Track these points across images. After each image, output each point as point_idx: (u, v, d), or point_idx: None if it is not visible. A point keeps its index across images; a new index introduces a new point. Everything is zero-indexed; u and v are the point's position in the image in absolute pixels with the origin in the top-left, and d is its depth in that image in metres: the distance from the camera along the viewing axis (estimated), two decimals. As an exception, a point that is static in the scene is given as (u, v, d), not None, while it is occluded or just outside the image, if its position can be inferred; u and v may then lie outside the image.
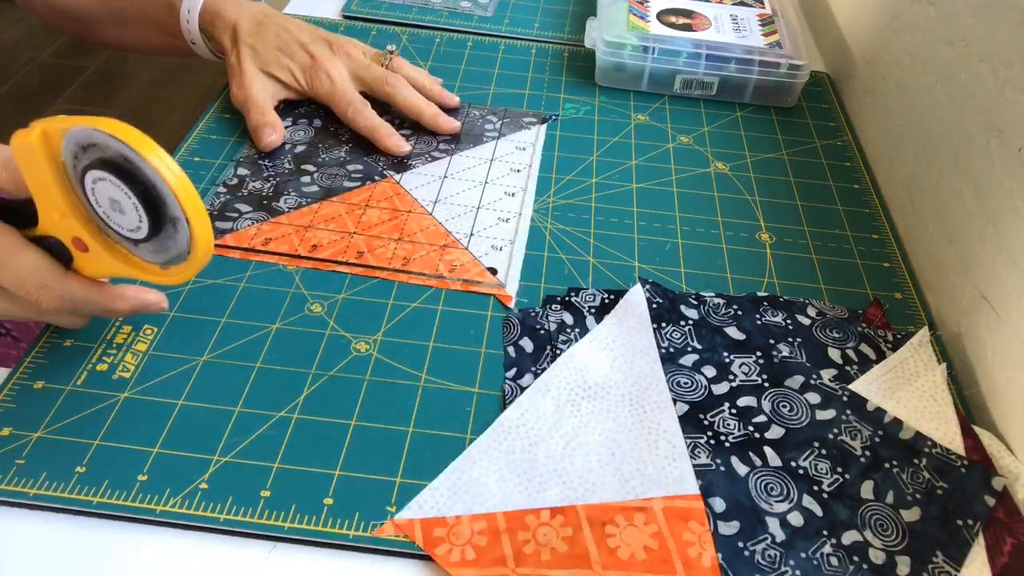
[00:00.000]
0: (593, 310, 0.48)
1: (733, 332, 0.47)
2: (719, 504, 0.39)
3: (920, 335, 0.47)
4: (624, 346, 0.46)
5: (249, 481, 0.38)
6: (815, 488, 0.40)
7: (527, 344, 0.46)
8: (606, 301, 0.48)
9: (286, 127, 0.61)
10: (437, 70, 0.69)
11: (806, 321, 0.48)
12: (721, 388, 0.44)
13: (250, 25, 0.60)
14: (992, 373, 0.44)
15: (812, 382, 0.44)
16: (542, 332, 0.47)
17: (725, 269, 0.52)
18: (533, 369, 0.44)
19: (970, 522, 0.38)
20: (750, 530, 0.38)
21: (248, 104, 0.59)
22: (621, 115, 0.66)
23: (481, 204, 0.56)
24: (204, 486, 0.38)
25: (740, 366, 0.45)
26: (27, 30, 2.24)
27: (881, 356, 0.46)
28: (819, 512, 0.39)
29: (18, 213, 0.38)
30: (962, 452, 0.41)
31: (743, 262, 0.53)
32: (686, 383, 0.44)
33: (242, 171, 0.56)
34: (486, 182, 0.58)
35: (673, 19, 0.71)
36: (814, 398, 0.44)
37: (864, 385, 0.44)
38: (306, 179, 0.56)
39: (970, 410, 0.45)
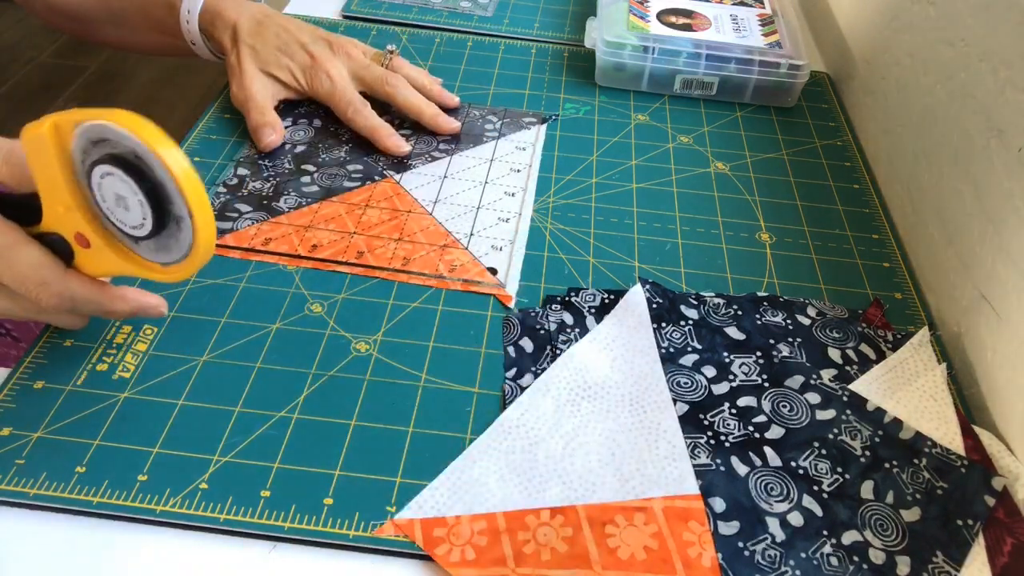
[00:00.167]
0: (593, 310, 0.48)
1: (733, 332, 0.47)
2: (719, 504, 0.39)
3: (920, 335, 0.47)
4: (624, 346, 0.46)
5: (249, 481, 0.38)
6: (815, 488, 0.40)
7: (527, 344, 0.46)
8: (606, 301, 0.48)
9: (286, 127, 0.61)
10: (437, 70, 0.69)
11: (806, 321, 0.48)
12: (721, 388, 0.44)
13: (250, 25, 0.60)
14: (992, 373, 0.44)
15: (812, 382, 0.44)
16: (542, 332, 0.47)
17: (725, 269, 0.52)
18: (533, 369, 0.44)
19: (970, 522, 0.38)
20: (750, 530, 0.38)
21: (248, 104, 0.59)
22: (621, 115, 0.66)
23: (481, 204, 0.56)
24: (204, 486, 0.38)
25: (740, 366, 0.45)
26: (27, 30, 2.24)
27: (881, 356, 0.46)
28: (819, 512, 0.39)
29: (19, 207, 0.38)
30: (962, 452, 0.41)
31: (743, 262, 0.53)
32: (686, 383, 0.44)
33: (242, 171, 0.56)
34: (486, 182, 0.58)
35: (673, 19, 0.71)
36: (814, 398, 0.44)
37: (864, 385, 0.44)
38: (306, 179, 0.56)
39: (970, 410, 0.45)
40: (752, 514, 0.38)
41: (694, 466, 0.40)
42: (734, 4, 0.74)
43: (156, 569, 0.35)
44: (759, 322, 0.48)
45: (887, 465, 0.41)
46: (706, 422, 0.42)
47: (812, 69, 0.69)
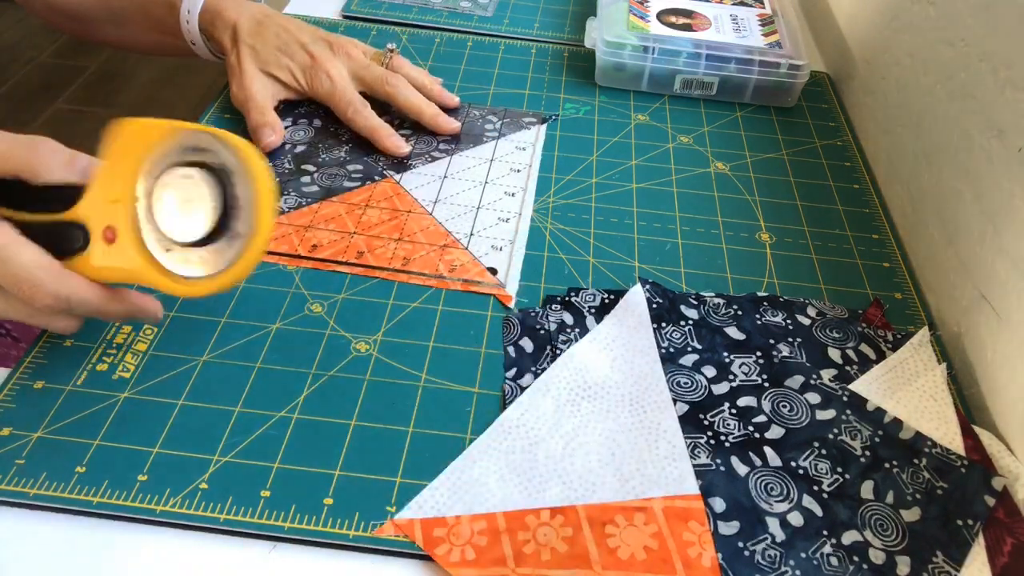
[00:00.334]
0: (593, 310, 0.48)
1: (733, 332, 0.47)
2: (719, 504, 0.39)
3: (920, 335, 0.47)
4: (624, 346, 0.46)
5: (249, 481, 0.38)
6: (815, 488, 0.40)
7: (527, 344, 0.46)
8: (606, 301, 0.48)
9: (286, 127, 0.61)
10: (437, 70, 0.69)
11: (806, 321, 0.48)
12: (721, 388, 0.44)
13: (250, 25, 0.60)
14: (992, 373, 0.44)
15: (812, 382, 0.44)
16: (542, 332, 0.47)
17: (725, 269, 0.52)
18: (533, 369, 0.44)
19: (970, 522, 0.38)
20: (750, 530, 0.38)
21: (248, 104, 0.59)
22: (621, 115, 0.66)
23: (481, 204, 0.56)
24: (204, 486, 0.38)
25: (740, 366, 0.45)
26: (27, 30, 2.24)
27: (881, 356, 0.46)
28: (819, 512, 0.39)
29: (5, 188, 0.38)
30: (962, 452, 0.41)
31: (743, 262, 0.53)
32: (686, 383, 0.44)
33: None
34: (486, 182, 0.58)
35: (673, 19, 0.71)
36: (814, 398, 0.44)
37: (864, 385, 0.44)
38: (306, 179, 0.56)
39: (970, 410, 0.45)
40: (752, 514, 0.38)
41: (694, 466, 0.40)
42: (734, 4, 0.74)
43: (156, 569, 0.35)
44: (759, 322, 0.48)
45: (887, 465, 0.41)
46: (706, 422, 0.42)
47: (812, 69, 0.69)
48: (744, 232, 0.55)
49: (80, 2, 0.67)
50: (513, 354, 0.45)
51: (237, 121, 0.60)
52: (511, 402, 0.42)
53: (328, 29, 0.65)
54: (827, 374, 0.45)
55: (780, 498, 0.39)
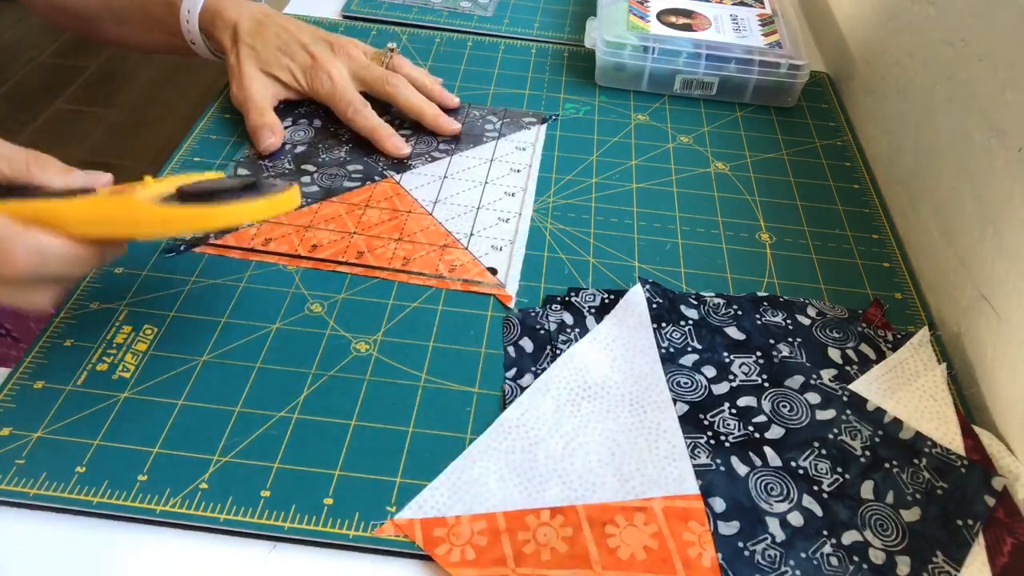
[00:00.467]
0: (593, 310, 0.48)
1: (733, 332, 0.47)
2: (719, 504, 0.39)
3: (920, 335, 0.47)
4: (624, 346, 0.46)
5: (249, 481, 0.38)
6: (815, 488, 0.40)
7: (527, 344, 0.46)
8: (606, 301, 0.48)
9: (286, 127, 0.61)
10: (437, 70, 0.69)
11: (806, 321, 0.48)
12: (721, 388, 0.44)
13: (250, 25, 0.60)
14: (992, 373, 0.44)
15: (812, 382, 0.44)
16: (542, 332, 0.47)
17: (725, 269, 0.52)
18: (533, 369, 0.44)
19: (970, 522, 0.38)
20: (750, 530, 0.38)
21: (247, 105, 0.59)
22: (621, 115, 0.66)
23: (481, 204, 0.56)
24: (204, 486, 0.38)
25: (740, 366, 0.45)
26: (27, 30, 2.24)
27: (881, 356, 0.46)
28: (819, 512, 0.39)
29: None
30: (962, 452, 0.41)
31: (743, 262, 0.53)
32: (686, 383, 0.44)
33: (242, 171, 0.56)
34: (486, 182, 0.58)
35: (673, 19, 0.71)
36: (814, 398, 0.44)
37: (864, 385, 0.44)
38: (306, 179, 0.56)
39: (970, 410, 0.45)
40: (752, 514, 0.38)
41: (694, 466, 0.40)
42: (734, 4, 0.74)
43: (156, 569, 0.35)
44: (759, 322, 0.48)
45: (887, 465, 0.41)
46: (706, 422, 0.42)
47: (812, 69, 0.69)
48: (744, 232, 0.55)
49: (81, 0, 0.67)
50: (513, 354, 0.45)
51: (237, 121, 0.60)
52: (511, 402, 0.42)
53: (328, 29, 0.65)
54: (827, 374, 0.45)
55: (780, 498, 0.39)
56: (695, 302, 0.49)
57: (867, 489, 0.40)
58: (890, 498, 0.39)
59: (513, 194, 0.57)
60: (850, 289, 0.51)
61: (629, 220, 0.55)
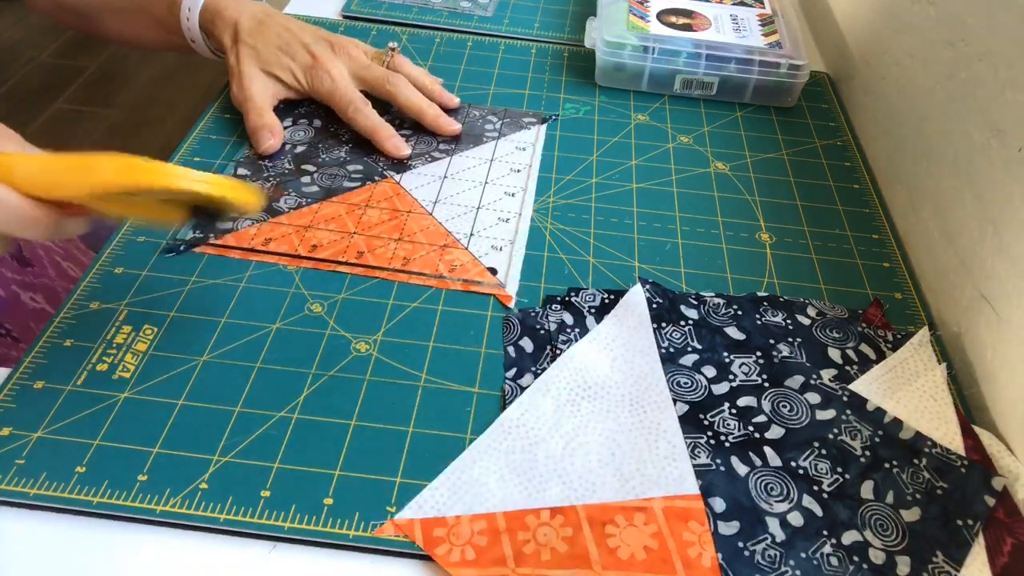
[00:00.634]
0: (593, 310, 0.48)
1: (733, 332, 0.47)
2: (719, 504, 0.39)
3: (920, 335, 0.47)
4: (624, 346, 0.46)
5: (249, 481, 0.38)
6: (815, 488, 0.40)
7: (527, 344, 0.46)
8: (606, 301, 0.48)
9: (286, 127, 0.61)
10: (437, 70, 0.69)
11: (806, 321, 0.48)
12: (721, 388, 0.44)
13: (251, 24, 0.60)
14: (992, 373, 0.44)
15: (812, 382, 0.44)
16: (542, 332, 0.47)
17: (725, 269, 0.52)
18: (533, 369, 0.44)
19: (970, 522, 0.38)
20: (750, 530, 0.38)
21: (247, 105, 0.59)
22: (621, 115, 0.66)
23: (481, 204, 0.56)
24: (204, 486, 0.38)
25: (740, 366, 0.45)
26: (27, 30, 2.24)
27: (881, 356, 0.46)
28: (819, 512, 0.39)
29: None
30: (962, 452, 0.41)
31: (743, 262, 0.53)
32: (686, 383, 0.44)
33: (242, 171, 0.56)
34: (486, 182, 0.58)
35: (673, 19, 0.71)
36: (814, 398, 0.44)
37: (864, 385, 0.44)
38: (306, 179, 0.56)
39: (970, 410, 0.45)
40: (752, 514, 0.38)
41: (694, 466, 0.40)
42: (734, 4, 0.74)
43: (156, 569, 0.35)
44: (759, 322, 0.48)
45: (887, 465, 0.41)
46: (706, 422, 0.42)
47: (812, 69, 0.69)
48: (744, 232, 0.55)
49: None
50: (513, 354, 0.45)
51: (237, 121, 0.60)
52: (511, 402, 0.42)
53: (328, 29, 0.65)
54: (827, 374, 0.45)
55: (780, 498, 0.39)
56: (695, 302, 0.49)
57: (867, 489, 0.40)
58: (890, 498, 0.39)
59: (513, 194, 0.57)
60: (850, 289, 0.51)
61: (629, 220, 0.55)
